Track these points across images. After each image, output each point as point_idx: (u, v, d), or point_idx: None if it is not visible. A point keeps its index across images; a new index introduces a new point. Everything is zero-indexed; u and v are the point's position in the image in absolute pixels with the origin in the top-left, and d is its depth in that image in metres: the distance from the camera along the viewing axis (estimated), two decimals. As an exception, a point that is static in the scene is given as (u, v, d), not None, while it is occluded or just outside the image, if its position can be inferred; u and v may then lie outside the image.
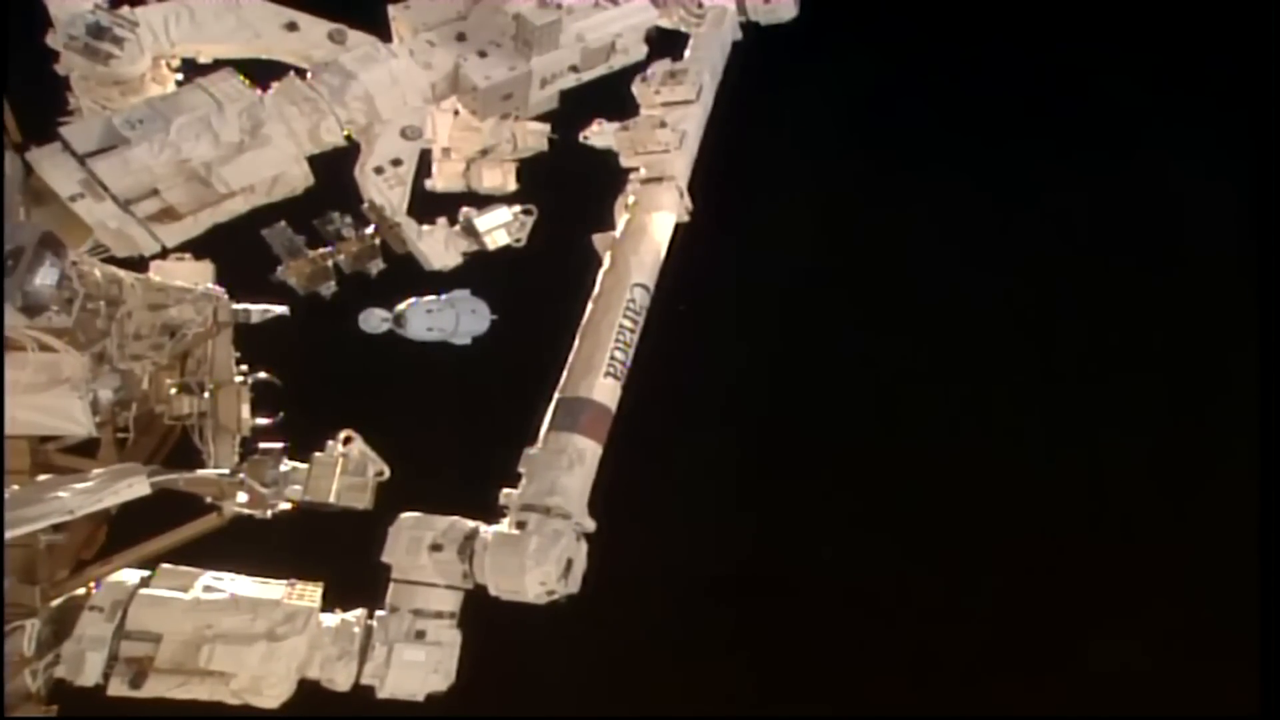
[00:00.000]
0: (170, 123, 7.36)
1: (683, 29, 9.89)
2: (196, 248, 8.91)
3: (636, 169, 9.38)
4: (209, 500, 8.25)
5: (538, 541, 7.46)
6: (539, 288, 10.84)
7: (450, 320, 8.23)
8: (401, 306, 8.12)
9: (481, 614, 7.89)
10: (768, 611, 15.43)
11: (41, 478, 7.70)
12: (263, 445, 8.37)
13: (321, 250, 8.14)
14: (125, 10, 7.84)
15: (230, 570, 7.97)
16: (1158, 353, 15.53)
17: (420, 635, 7.69)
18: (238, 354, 9.29)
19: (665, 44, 9.62)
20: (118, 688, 7.28)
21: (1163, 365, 15.57)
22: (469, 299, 8.36)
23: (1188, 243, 15.55)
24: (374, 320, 8.04)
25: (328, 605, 7.84)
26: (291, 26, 8.24)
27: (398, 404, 12.65)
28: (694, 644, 15.00)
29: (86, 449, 8.37)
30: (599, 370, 8.22)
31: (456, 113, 9.40)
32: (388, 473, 8.13)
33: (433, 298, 8.24)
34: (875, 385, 15.84)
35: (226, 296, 9.25)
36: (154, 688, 7.30)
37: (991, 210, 15.80)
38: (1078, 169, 15.83)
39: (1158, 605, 14.96)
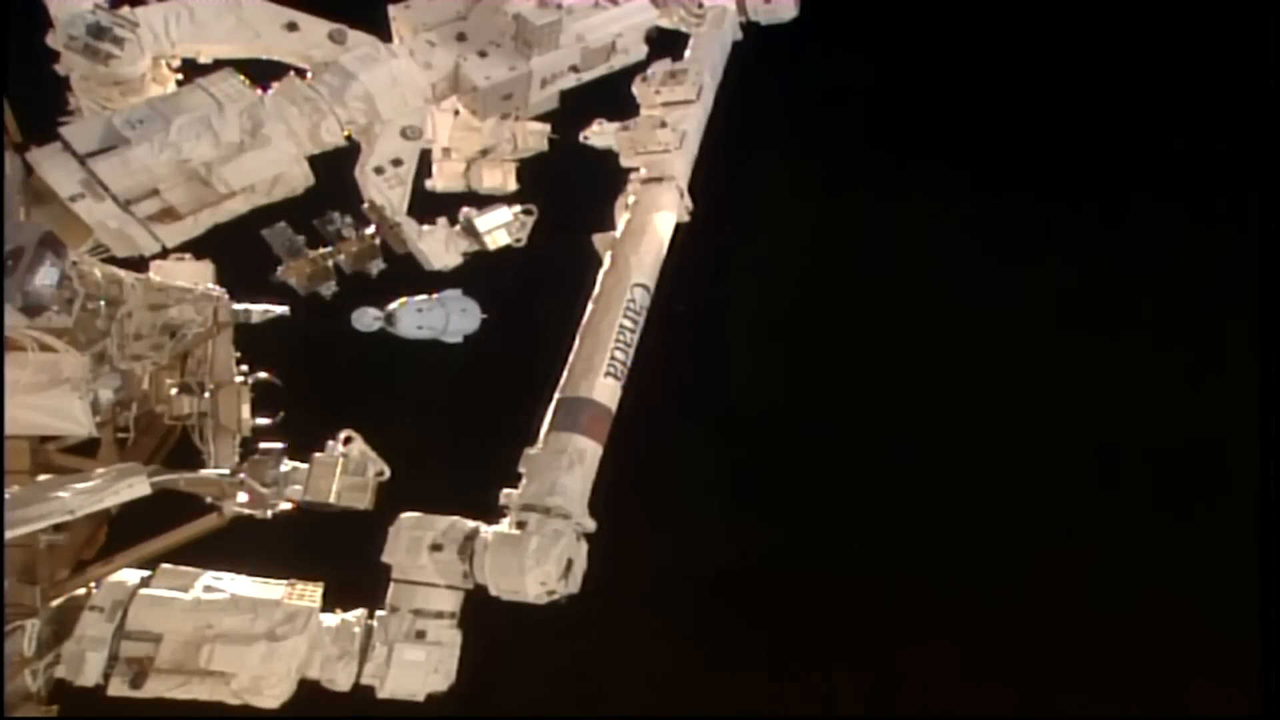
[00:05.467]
0: (170, 123, 7.36)
1: (683, 29, 9.89)
2: (196, 248, 8.91)
3: (636, 169, 9.38)
4: (209, 500, 8.24)
5: (538, 541, 7.46)
6: (539, 287, 10.85)
7: (440, 319, 8.26)
8: (393, 305, 8.15)
9: (481, 614, 7.90)
10: (768, 611, 15.43)
11: (41, 478, 7.70)
12: (263, 445, 8.35)
13: (321, 250, 8.13)
14: (125, 10, 7.83)
15: (230, 570, 7.96)
16: (1159, 351, 15.54)
17: (420, 635, 7.69)
18: (238, 354, 9.30)
19: (665, 44, 9.62)
20: (118, 688, 7.28)
21: (1163, 363, 15.57)
22: (460, 298, 8.38)
23: (1189, 241, 15.55)
24: (367, 319, 8.07)
25: (328, 605, 7.84)
26: (291, 26, 8.23)
27: (398, 404, 12.66)
28: (694, 644, 15.00)
29: (86, 449, 8.36)
30: (599, 370, 8.22)
31: (457, 113, 9.40)
32: (388, 473, 8.12)
33: (423, 297, 8.26)
34: (876, 384, 15.84)
35: (226, 296, 9.26)
36: (154, 688, 7.30)
37: (992, 210, 15.80)
38: (1079, 168, 15.84)
39: (1158, 605, 14.96)
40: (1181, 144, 15.42)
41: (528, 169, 10.14)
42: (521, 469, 8.00)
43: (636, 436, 8.64)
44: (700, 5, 9.80)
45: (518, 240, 8.69)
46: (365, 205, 8.17)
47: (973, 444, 15.52)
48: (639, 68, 9.39)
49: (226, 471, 8.23)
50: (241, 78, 7.78)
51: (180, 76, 8.39)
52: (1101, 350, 15.86)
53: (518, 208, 8.69)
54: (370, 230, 8.20)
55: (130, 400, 8.61)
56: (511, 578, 7.46)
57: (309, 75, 8.06)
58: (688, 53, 9.74)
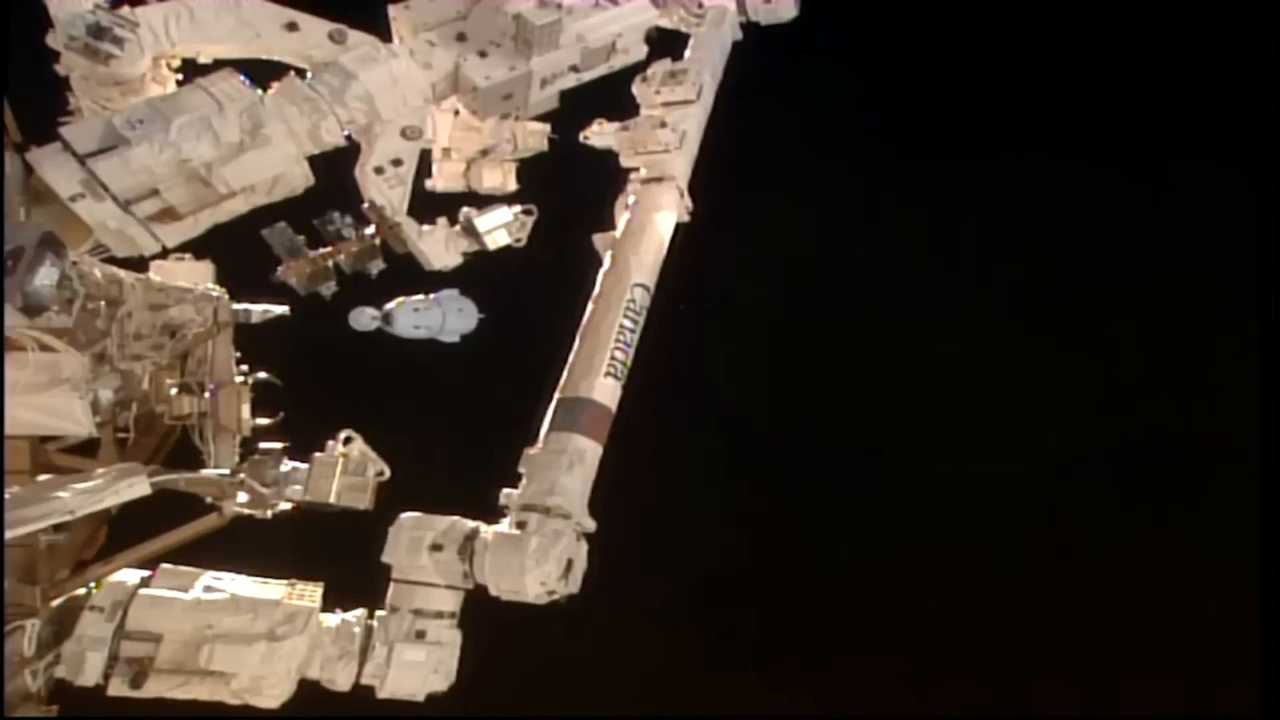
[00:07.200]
0: (170, 123, 7.36)
1: (683, 29, 9.89)
2: (196, 248, 8.91)
3: (636, 169, 9.38)
4: (209, 500, 8.24)
5: (538, 541, 7.46)
6: (539, 287, 10.85)
7: (437, 319, 8.29)
8: (389, 305, 8.18)
9: (481, 614, 7.90)
10: (768, 611, 15.43)
11: (42, 478, 7.69)
12: (263, 445, 8.36)
13: (321, 250, 8.14)
14: (125, 10, 7.83)
15: (230, 570, 7.96)
16: (1158, 352, 15.54)
17: (420, 635, 7.69)
18: (238, 354, 9.30)
19: (665, 44, 9.62)
20: (118, 688, 7.28)
21: (1164, 364, 15.57)
22: (457, 298, 8.42)
23: (1188, 242, 15.57)
24: (364, 318, 8.11)
25: (328, 605, 7.83)
26: (291, 26, 8.24)
27: (398, 404, 12.66)
28: (694, 644, 15.01)
29: (86, 449, 8.36)
30: (599, 370, 8.22)
31: (457, 113, 9.40)
32: (388, 473, 8.12)
33: (420, 296, 8.30)
34: (875, 385, 15.84)
35: (226, 296, 9.26)
36: (154, 688, 7.30)
37: (992, 210, 15.81)
38: (1079, 168, 15.84)
39: (1157, 606, 14.96)
40: (1181, 145, 15.42)
41: (528, 169, 10.14)
42: (521, 469, 8.00)
43: (636, 436, 8.64)
44: (700, 5, 9.81)
45: (518, 240, 8.71)
46: (365, 205, 8.17)
47: (974, 446, 15.52)
48: (639, 68, 9.40)
49: (226, 471, 8.24)
50: (241, 78, 7.78)
51: (180, 76, 8.39)
52: (1101, 350, 15.87)
53: (518, 208, 8.70)
54: (370, 230, 8.21)
55: (130, 400, 8.60)
56: (511, 578, 7.45)
57: (309, 75, 8.06)
58: (688, 53, 9.74)
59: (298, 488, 8.02)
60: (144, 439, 8.82)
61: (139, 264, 8.49)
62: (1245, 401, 14.26)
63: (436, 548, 7.67)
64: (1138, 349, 15.66)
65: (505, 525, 7.74)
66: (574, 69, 8.91)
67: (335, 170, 8.26)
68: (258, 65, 8.16)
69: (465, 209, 8.58)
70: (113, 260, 8.14)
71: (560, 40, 8.59)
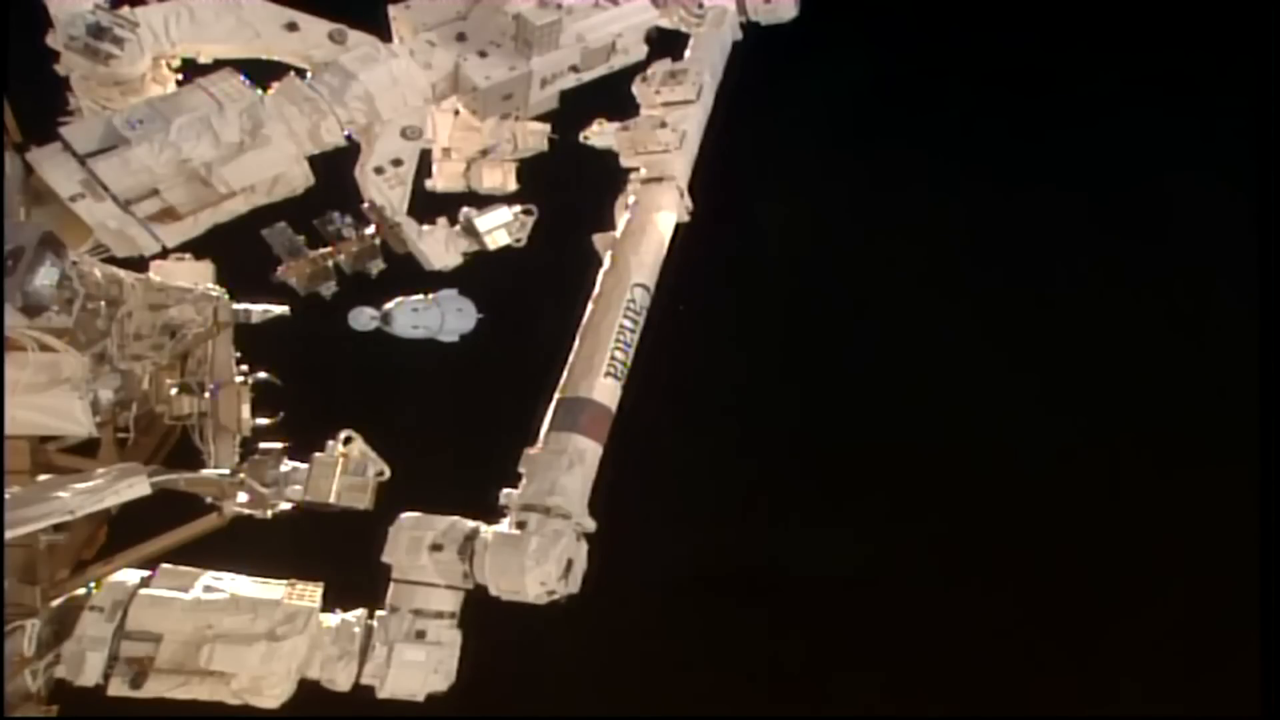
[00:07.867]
0: (170, 123, 7.36)
1: (683, 29, 9.90)
2: (196, 248, 8.92)
3: (636, 169, 9.39)
4: (209, 500, 8.24)
5: (538, 541, 7.47)
6: (539, 287, 10.86)
7: (435, 319, 8.30)
8: (388, 305, 8.19)
9: (481, 614, 7.90)
10: (768, 611, 15.43)
11: (42, 478, 7.70)
12: (263, 445, 8.37)
13: (321, 250, 8.14)
14: (125, 10, 7.84)
15: (230, 570, 7.96)
16: (1158, 352, 15.54)
17: (420, 635, 7.70)
18: (238, 354, 9.31)
19: (665, 44, 9.63)
20: (118, 688, 7.29)
21: (1162, 364, 15.57)
22: (455, 298, 8.43)
23: (1189, 243, 15.56)
24: (363, 318, 8.13)
25: (328, 605, 7.84)
26: (291, 26, 8.24)
27: (398, 404, 12.67)
28: (693, 644, 15.01)
29: (87, 449, 8.36)
30: (599, 370, 8.23)
31: (457, 113, 9.41)
32: (388, 473, 8.12)
33: (419, 296, 8.31)
34: (876, 384, 15.84)
35: (226, 296, 9.26)
36: (154, 688, 7.31)
37: (992, 209, 15.80)
38: (1079, 167, 15.85)
39: (1157, 605, 14.96)
40: (1183, 140, 15.42)
41: (528, 169, 10.14)
42: (521, 469, 8.01)
43: (636, 436, 8.64)
44: (700, 5, 9.81)
45: (518, 240, 8.71)
46: (365, 205, 8.18)
47: (974, 443, 15.52)
48: (639, 68, 9.40)
49: (226, 471, 8.25)
50: (241, 78, 7.78)
51: (180, 76, 8.40)
52: (1102, 347, 15.86)
53: (518, 208, 8.71)
54: (370, 230, 8.22)
55: (130, 400, 8.60)
56: (511, 578, 7.46)
57: (309, 75, 8.06)
58: (688, 53, 9.75)
59: (298, 488, 8.02)
60: (144, 439, 8.84)
61: (139, 264, 8.50)
62: (1246, 403, 14.29)
63: (436, 548, 7.68)
64: (1137, 348, 15.65)
65: (505, 525, 7.75)
66: (574, 69, 8.91)
67: (335, 170, 8.26)
68: (258, 65, 8.16)
69: (465, 209, 8.58)
70: (113, 260, 8.14)
71: (560, 40, 8.59)
